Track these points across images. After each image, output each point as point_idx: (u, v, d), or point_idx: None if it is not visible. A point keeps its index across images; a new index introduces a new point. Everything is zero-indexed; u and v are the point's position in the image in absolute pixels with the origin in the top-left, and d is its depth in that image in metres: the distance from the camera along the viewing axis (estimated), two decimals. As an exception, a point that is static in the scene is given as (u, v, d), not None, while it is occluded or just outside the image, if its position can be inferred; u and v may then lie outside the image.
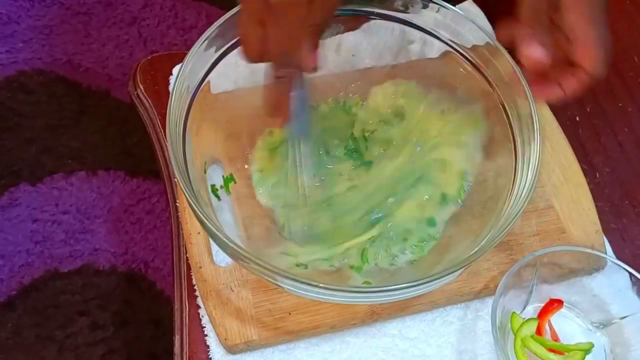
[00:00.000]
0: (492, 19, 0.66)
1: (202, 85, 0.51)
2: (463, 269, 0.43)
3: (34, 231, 1.10)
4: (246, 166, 0.55)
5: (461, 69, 0.55)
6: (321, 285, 0.41)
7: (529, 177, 0.46)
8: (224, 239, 0.42)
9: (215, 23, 0.49)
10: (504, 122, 0.52)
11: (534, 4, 0.44)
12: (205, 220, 0.42)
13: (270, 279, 0.43)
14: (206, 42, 0.49)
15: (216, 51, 0.51)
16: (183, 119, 0.49)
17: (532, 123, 0.47)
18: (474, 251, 0.44)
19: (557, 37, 0.44)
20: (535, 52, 0.44)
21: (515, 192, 0.47)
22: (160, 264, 1.08)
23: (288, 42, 0.41)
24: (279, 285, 0.43)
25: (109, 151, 1.19)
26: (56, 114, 1.23)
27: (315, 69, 0.43)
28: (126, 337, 1.03)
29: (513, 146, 0.50)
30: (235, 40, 0.51)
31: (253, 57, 0.42)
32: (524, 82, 0.49)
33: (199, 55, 0.49)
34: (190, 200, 0.43)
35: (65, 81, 1.27)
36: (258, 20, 0.40)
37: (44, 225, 1.11)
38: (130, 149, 1.20)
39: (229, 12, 0.49)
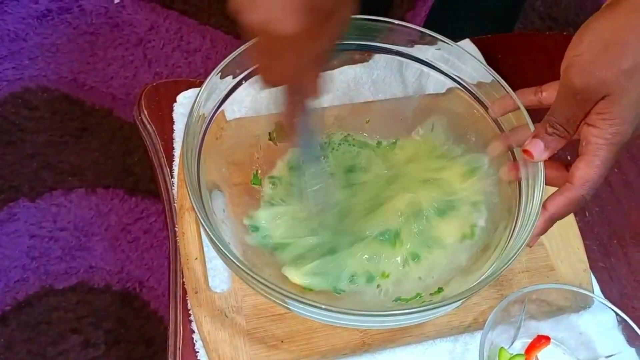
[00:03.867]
0: (489, 58, 0.68)
1: (217, 112, 0.53)
2: (461, 301, 0.44)
3: (30, 247, 1.11)
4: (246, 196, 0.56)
5: (467, 106, 0.57)
6: (323, 307, 0.42)
7: (532, 214, 0.46)
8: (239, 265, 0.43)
9: (233, 53, 0.52)
10: (508, 159, 0.53)
11: (565, 113, 0.45)
12: (218, 244, 0.44)
13: (280, 302, 0.44)
14: (220, 72, 0.51)
15: (233, 79, 0.53)
16: (198, 145, 0.50)
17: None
18: (474, 284, 0.44)
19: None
20: (534, 148, 0.46)
21: (517, 230, 0.48)
22: (155, 283, 1.08)
23: (292, 71, 0.43)
24: (287, 308, 0.44)
25: (109, 169, 1.21)
26: (58, 130, 1.25)
27: (318, 96, 0.46)
28: (117, 356, 1.03)
29: (517, 184, 0.51)
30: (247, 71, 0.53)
31: (266, 83, 0.45)
32: (529, 123, 0.50)
33: (216, 82, 0.51)
34: (205, 226, 0.44)
35: (69, 99, 1.29)
36: (267, 50, 0.42)
37: (41, 241, 1.12)
38: (130, 168, 1.21)
39: (246, 43, 0.52)
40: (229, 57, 0.52)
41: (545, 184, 0.47)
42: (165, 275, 1.08)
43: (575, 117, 0.44)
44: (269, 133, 0.58)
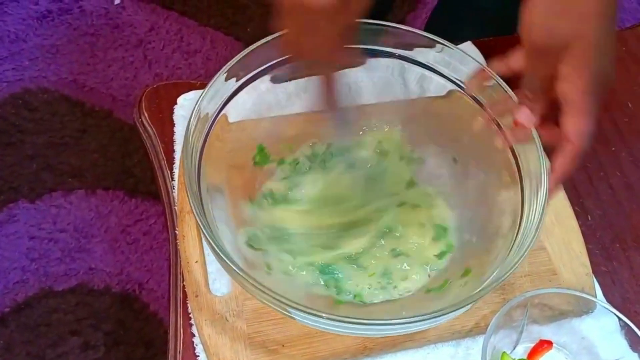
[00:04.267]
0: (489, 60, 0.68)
1: (220, 115, 0.53)
2: (465, 308, 0.44)
3: (30, 248, 1.11)
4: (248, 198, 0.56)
5: (466, 108, 0.56)
6: (324, 315, 0.42)
7: (536, 217, 0.47)
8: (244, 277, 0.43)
9: (237, 56, 0.52)
10: (509, 163, 0.52)
11: (536, 72, 0.46)
12: (217, 250, 0.44)
13: (278, 308, 0.44)
14: (226, 73, 0.51)
15: (236, 81, 0.53)
16: (200, 148, 0.50)
17: (539, 161, 0.48)
18: (477, 290, 0.44)
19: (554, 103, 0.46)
20: (521, 116, 0.46)
21: (520, 235, 0.47)
22: (155, 285, 1.08)
23: (325, 42, 0.45)
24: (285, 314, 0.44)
25: (109, 171, 1.20)
26: (58, 132, 1.24)
27: (349, 63, 0.49)
28: (117, 358, 1.02)
29: (520, 187, 0.51)
30: (251, 74, 0.53)
31: (298, 57, 0.47)
32: (509, 92, 0.50)
33: (219, 85, 0.51)
34: (206, 233, 0.44)
35: (69, 100, 1.28)
36: (303, 27, 0.45)
37: (40, 242, 1.11)
38: (130, 169, 1.21)
39: (250, 46, 0.52)
40: (234, 59, 0.52)
41: (543, 144, 0.48)
42: (165, 278, 1.08)
43: (546, 71, 0.44)
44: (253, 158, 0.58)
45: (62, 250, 1.11)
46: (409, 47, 0.56)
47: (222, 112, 0.53)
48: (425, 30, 0.56)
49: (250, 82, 0.54)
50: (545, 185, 0.47)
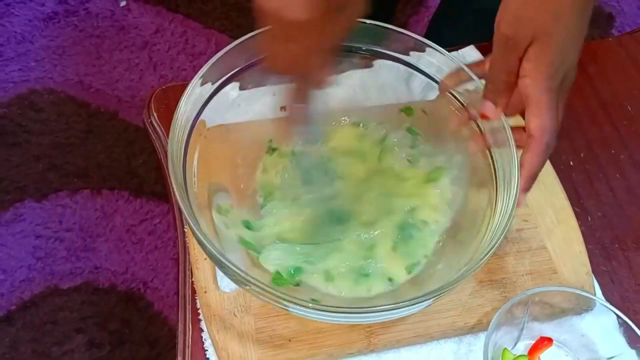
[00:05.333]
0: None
1: (199, 119, 0.54)
2: (439, 296, 0.45)
3: (36, 247, 1.12)
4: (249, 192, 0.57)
5: (453, 109, 0.57)
6: (310, 305, 0.43)
7: (507, 211, 0.47)
8: (231, 266, 0.44)
9: (210, 60, 0.52)
10: (486, 157, 0.53)
11: (501, 66, 0.46)
12: (207, 245, 0.44)
13: (275, 303, 0.45)
14: (201, 78, 0.52)
15: (212, 85, 0.53)
16: (183, 149, 0.51)
17: (512, 159, 0.49)
18: (454, 276, 0.45)
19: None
20: (484, 108, 0.47)
21: (492, 226, 0.48)
22: (159, 284, 1.09)
23: (301, 58, 0.45)
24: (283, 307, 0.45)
25: (114, 171, 1.22)
26: (64, 132, 1.26)
27: (325, 85, 0.48)
28: (122, 357, 1.03)
29: (494, 183, 0.52)
30: (227, 76, 0.54)
31: (274, 70, 0.47)
32: (507, 129, 0.51)
33: (195, 90, 0.52)
34: (192, 226, 0.45)
35: (75, 101, 1.30)
36: (278, 36, 0.44)
37: (46, 241, 1.13)
38: (135, 170, 1.22)
39: (223, 49, 0.52)
40: (208, 63, 0.52)
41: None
42: (169, 277, 1.09)
43: (510, 65, 0.45)
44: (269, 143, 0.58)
45: (68, 249, 1.12)
46: (409, 52, 0.57)
47: (201, 117, 0.53)
48: (427, 33, 0.57)
49: (226, 85, 0.55)
50: (516, 183, 0.48)
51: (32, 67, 1.34)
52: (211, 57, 0.53)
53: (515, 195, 0.47)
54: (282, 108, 0.55)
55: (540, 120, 0.45)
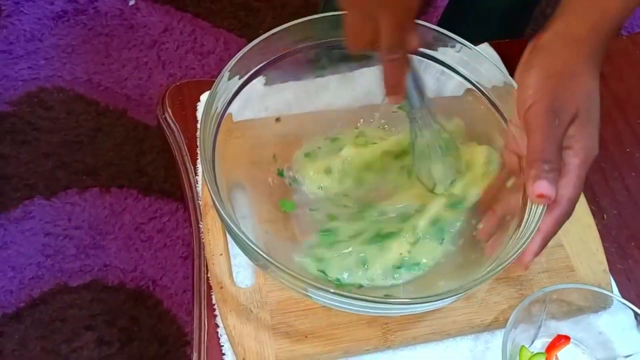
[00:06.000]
0: (508, 62, 0.69)
1: (227, 113, 0.54)
2: (464, 293, 0.45)
3: (45, 245, 1.12)
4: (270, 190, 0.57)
5: (481, 107, 0.58)
6: (332, 290, 0.43)
7: (537, 213, 0.47)
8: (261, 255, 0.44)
9: (238, 54, 0.53)
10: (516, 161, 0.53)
11: (553, 141, 0.47)
12: (239, 233, 0.45)
13: (299, 289, 0.45)
14: (229, 72, 0.52)
15: (239, 79, 0.54)
16: (212, 142, 0.51)
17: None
18: (477, 278, 0.45)
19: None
20: (544, 190, 0.46)
21: (522, 227, 0.49)
22: (168, 282, 1.09)
23: (398, 28, 0.47)
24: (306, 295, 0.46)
25: (123, 169, 1.22)
26: (73, 130, 1.26)
27: (418, 47, 0.51)
28: (131, 354, 1.04)
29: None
30: (254, 70, 0.54)
31: (362, 46, 0.48)
32: None
33: (225, 83, 0.52)
34: (224, 216, 0.45)
35: (84, 99, 1.30)
36: (366, 15, 0.46)
37: (55, 239, 1.13)
38: (144, 168, 1.22)
39: (250, 43, 0.53)
40: (236, 56, 0.53)
41: None
42: (178, 275, 1.09)
43: (560, 144, 0.47)
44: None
45: (77, 246, 1.12)
46: (430, 45, 0.57)
47: (229, 110, 0.54)
48: (436, 31, 0.57)
49: (254, 78, 0.55)
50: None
51: (42, 65, 1.34)
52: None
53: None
54: (277, 119, 0.58)
55: (572, 192, 0.47)
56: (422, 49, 0.57)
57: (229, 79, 0.53)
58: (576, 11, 0.51)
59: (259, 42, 0.54)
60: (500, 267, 0.45)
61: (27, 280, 1.09)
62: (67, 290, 1.08)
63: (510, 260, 0.45)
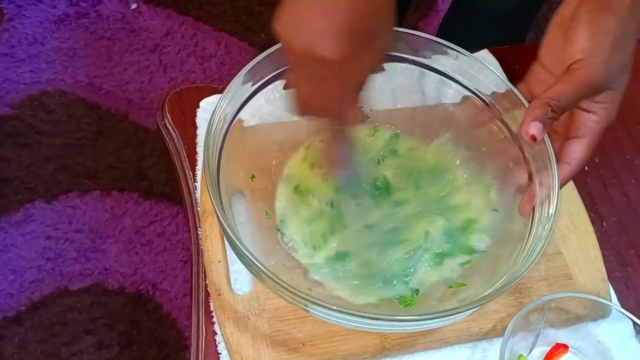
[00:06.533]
0: (507, 68, 0.69)
1: (237, 118, 0.54)
2: (477, 308, 0.45)
3: (46, 248, 1.12)
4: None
5: (481, 115, 0.57)
6: (334, 308, 0.43)
7: (547, 225, 0.47)
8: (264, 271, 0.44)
9: (253, 60, 0.52)
10: (523, 171, 0.53)
11: (573, 100, 0.47)
12: (239, 245, 0.45)
13: (301, 305, 0.45)
14: (242, 77, 0.52)
15: (252, 86, 0.54)
16: (218, 149, 0.51)
17: (551, 173, 0.49)
18: (487, 292, 0.45)
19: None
20: (537, 132, 0.46)
21: (531, 240, 0.48)
22: (168, 286, 1.09)
23: (334, 97, 0.44)
24: (308, 311, 0.45)
25: (124, 173, 1.22)
26: (74, 133, 1.26)
27: (357, 121, 0.48)
28: (131, 358, 1.04)
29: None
30: (267, 78, 0.54)
31: (302, 112, 0.46)
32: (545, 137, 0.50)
33: (237, 88, 0.52)
34: (225, 226, 0.45)
35: (86, 102, 1.30)
36: (309, 80, 0.43)
37: (56, 242, 1.13)
38: (144, 172, 1.23)
39: (267, 50, 0.52)
40: (250, 63, 0.52)
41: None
42: (178, 279, 1.10)
43: (577, 104, 0.47)
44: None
45: (78, 250, 1.13)
46: (426, 54, 0.57)
47: (239, 115, 0.54)
48: (437, 36, 0.57)
49: (267, 86, 0.55)
50: (556, 197, 0.48)
51: (44, 68, 1.34)
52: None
53: (553, 217, 0.48)
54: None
55: (585, 154, 0.48)
56: (420, 59, 0.57)
57: (243, 84, 0.53)
58: None
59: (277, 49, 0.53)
60: (512, 284, 0.45)
61: (28, 284, 1.09)
62: (68, 293, 1.08)
63: (521, 277, 0.45)
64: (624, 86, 0.49)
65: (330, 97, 0.44)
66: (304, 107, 0.45)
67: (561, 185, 0.49)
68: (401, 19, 1.29)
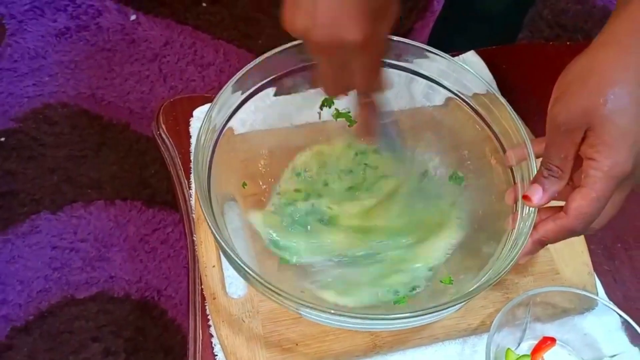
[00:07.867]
0: (493, 68, 0.70)
1: (227, 126, 0.55)
2: (464, 303, 0.46)
3: (52, 258, 1.15)
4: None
5: (463, 115, 0.59)
6: (332, 311, 0.44)
7: (529, 219, 0.48)
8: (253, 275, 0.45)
9: (242, 69, 0.54)
10: (504, 167, 0.55)
11: (555, 151, 0.45)
12: (229, 251, 0.46)
13: (291, 307, 0.46)
14: (232, 86, 0.54)
15: (242, 94, 0.55)
16: (209, 157, 0.52)
17: (529, 168, 0.50)
18: (472, 288, 0.46)
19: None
20: (533, 194, 0.46)
21: (514, 234, 0.50)
22: (173, 292, 1.11)
23: (368, 74, 0.48)
24: (299, 313, 0.47)
25: (127, 182, 1.24)
26: (78, 145, 1.29)
27: (385, 89, 0.52)
28: (137, 364, 1.06)
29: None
30: (256, 86, 0.56)
31: (339, 92, 0.50)
32: (522, 131, 0.52)
33: (226, 97, 0.54)
34: (215, 234, 0.46)
35: (88, 114, 1.32)
36: (339, 63, 0.46)
37: (62, 252, 1.15)
38: (147, 180, 1.24)
39: (255, 60, 0.54)
40: (239, 73, 0.54)
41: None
42: (182, 285, 1.11)
43: (566, 153, 0.44)
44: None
45: (83, 259, 1.15)
46: (412, 59, 0.58)
47: (229, 124, 0.55)
48: (430, 37, 0.58)
49: (256, 94, 0.57)
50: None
51: (46, 81, 1.37)
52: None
53: (533, 214, 0.47)
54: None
55: (583, 205, 0.43)
56: (407, 65, 0.59)
57: (232, 93, 0.54)
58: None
59: (269, 56, 0.55)
60: (495, 278, 0.46)
61: (35, 294, 1.11)
62: (74, 302, 1.10)
63: (504, 271, 0.46)
64: (623, 120, 0.42)
65: (359, 74, 0.47)
66: (336, 89, 0.49)
67: (552, 234, 0.45)
68: (397, 22, 1.29)
